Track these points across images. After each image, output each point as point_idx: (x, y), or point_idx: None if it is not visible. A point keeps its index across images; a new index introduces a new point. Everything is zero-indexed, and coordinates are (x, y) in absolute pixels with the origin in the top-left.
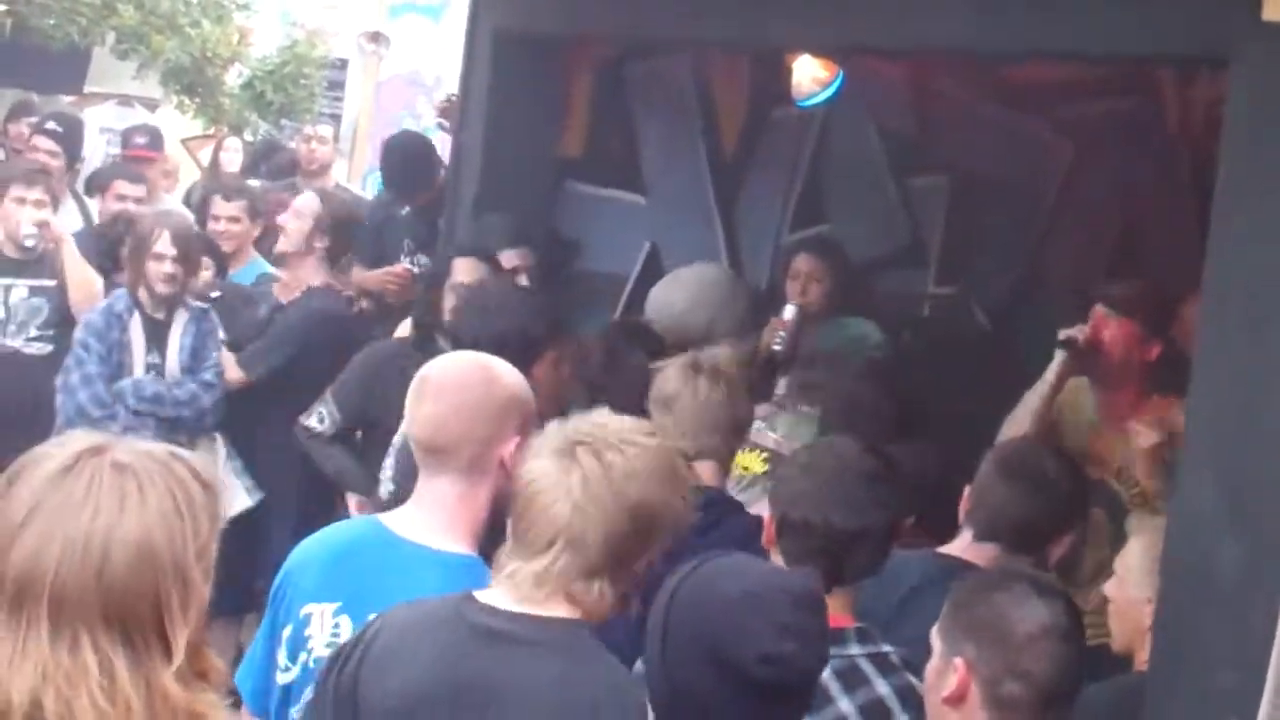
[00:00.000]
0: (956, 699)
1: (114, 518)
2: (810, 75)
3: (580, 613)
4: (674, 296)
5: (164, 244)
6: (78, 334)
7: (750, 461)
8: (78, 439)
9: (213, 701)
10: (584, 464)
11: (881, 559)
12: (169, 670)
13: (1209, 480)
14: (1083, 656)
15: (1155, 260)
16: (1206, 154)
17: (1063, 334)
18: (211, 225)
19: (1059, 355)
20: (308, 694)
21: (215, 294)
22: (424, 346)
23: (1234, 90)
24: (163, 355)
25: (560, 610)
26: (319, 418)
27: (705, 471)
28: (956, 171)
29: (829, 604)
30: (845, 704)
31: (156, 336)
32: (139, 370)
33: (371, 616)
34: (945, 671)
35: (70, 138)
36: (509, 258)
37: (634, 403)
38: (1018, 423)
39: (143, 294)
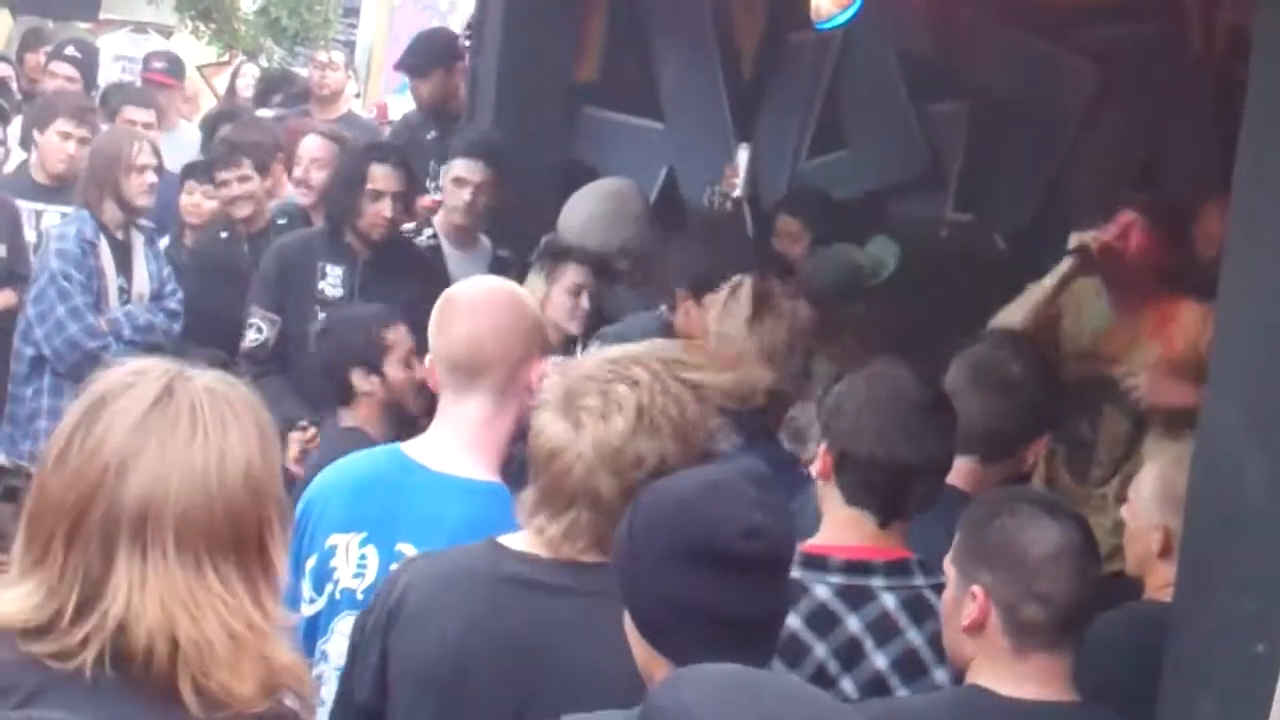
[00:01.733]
0: (976, 626)
1: (222, 443)
2: None
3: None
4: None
5: (146, 155)
6: (53, 264)
7: None
8: (151, 366)
9: (286, 621)
10: (590, 429)
11: (939, 490)
12: (269, 588)
13: (1236, 401)
14: (1098, 575)
15: (1179, 185)
16: (1230, 76)
17: (1075, 238)
18: (224, 191)
19: (1069, 257)
20: (336, 624)
21: None
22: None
23: (1262, 18)
24: (130, 279)
25: (591, 555)
26: (256, 330)
27: None
28: (976, 96)
29: (887, 536)
30: (915, 635)
31: (123, 261)
32: (113, 297)
33: (394, 567)
34: (963, 600)
35: (87, 64)
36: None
37: None
38: (1009, 313)
39: (109, 214)
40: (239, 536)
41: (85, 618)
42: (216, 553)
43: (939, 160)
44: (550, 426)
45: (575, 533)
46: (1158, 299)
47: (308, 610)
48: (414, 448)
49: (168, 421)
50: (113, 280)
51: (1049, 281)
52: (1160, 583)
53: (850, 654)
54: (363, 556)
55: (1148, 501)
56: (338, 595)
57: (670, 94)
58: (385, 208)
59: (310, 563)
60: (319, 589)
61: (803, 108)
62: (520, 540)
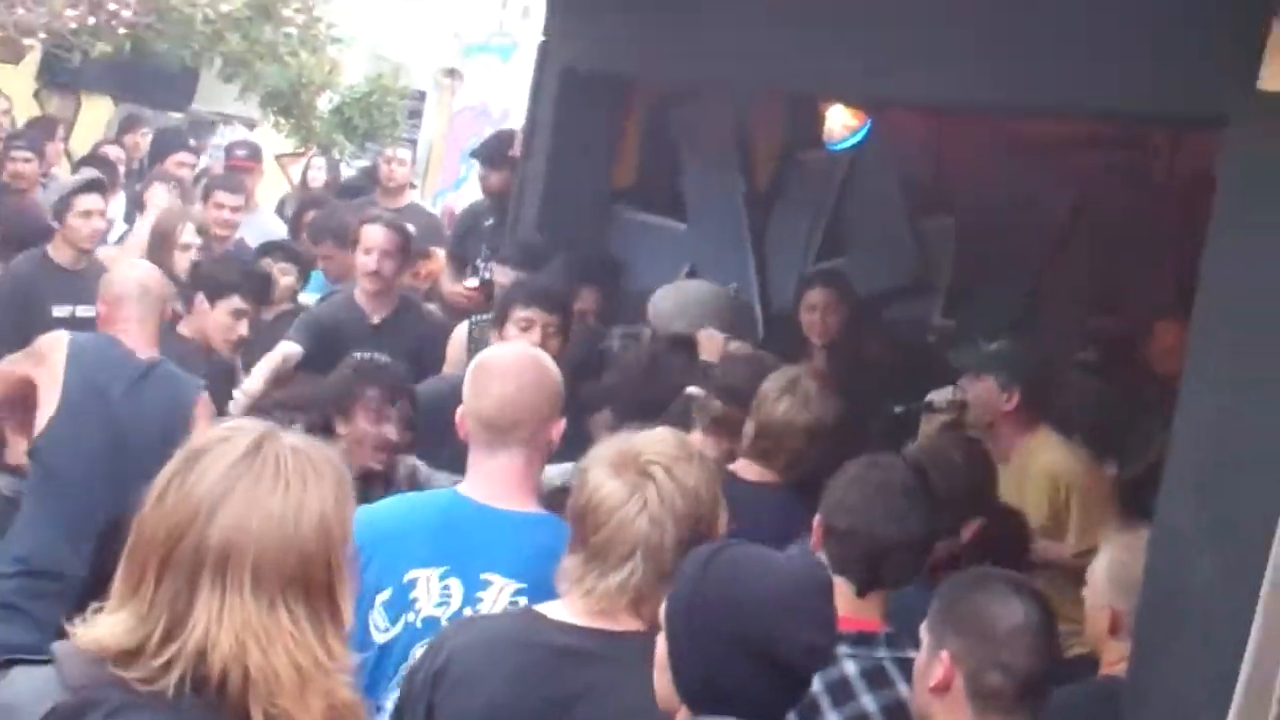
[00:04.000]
0: (942, 688)
1: (300, 494)
2: (842, 122)
3: (644, 624)
4: (680, 307)
5: (189, 235)
6: None
7: None
8: (245, 425)
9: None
10: (657, 480)
11: (919, 568)
12: (335, 629)
13: (1189, 501)
14: (1056, 650)
15: (1141, 299)
16: (1193, 204)
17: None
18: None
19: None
20: (415, 651)
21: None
22: None
23: (1227, 153)
24: None
25: (630, 623)
26: None
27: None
28: (965, 213)
29: (864, 605)
30: (869, 701)
31: None
32: None
33: (438, 633)
34: (932, 663)
35: (199, 153)
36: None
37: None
38: None
39: None
40: (309, 579)
41: (168, 645)
42: (288, 592)
43: (930, 270)
44: (606, 484)
45: (629, 587)
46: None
47: (380, 638)
48: (470, 491)
49: (253, 472)
50: None
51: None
52: (1113, 658)
53: (807, 713)
54: (445, 587)
55: (1100, 584)
56: (419, 624)
57: (694, 199)
58: None
59: (384, 596)
60: (394, 619)
61: (810, 217)
62: (558, 609)
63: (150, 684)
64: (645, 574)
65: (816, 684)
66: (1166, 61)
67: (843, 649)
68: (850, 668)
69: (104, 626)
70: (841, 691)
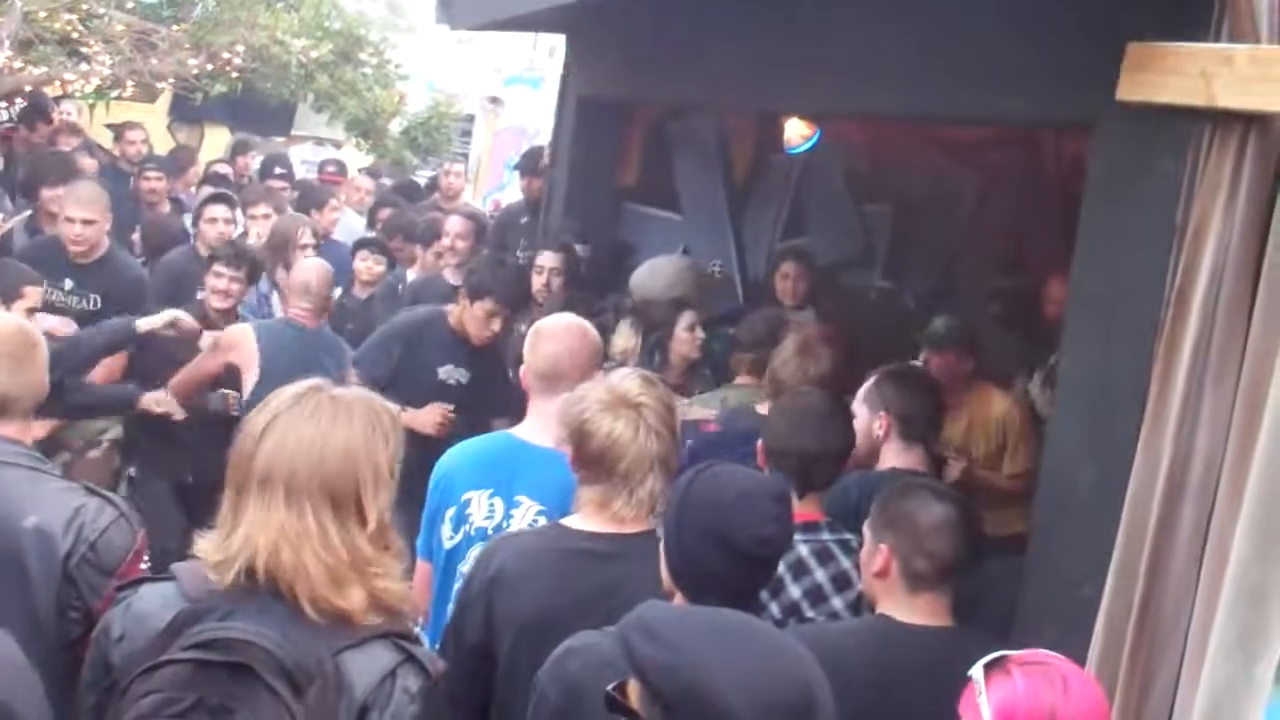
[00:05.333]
0: (882, 573)
1: (329, 429)
2: (798, 132)
3: (649, 525)
4: (655, 278)
5: (307, 237)
6: None
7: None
8: (308, 383)
9: (392, 559)
10: (651, 410)
11: (839, 473)
12: (363, 534)
13: (1074, 420)
14: (969, 541)
15: (1034, 262)
16: (1072, 187)
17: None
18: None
19: None
20: (470, 552)
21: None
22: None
23: (1093, 149)
24: None
25: (637, 526)
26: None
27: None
28: (898, 199)
29: (804, 505)
30: (820, 575)
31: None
32: None
33: (485, 546)
34: (874, 554)
35: (290, 175)
36: (547, 258)
37: None
38: None
39: (280, 276)
40: (336, 495)
41: (227, 547)
42: (317, 505)
43: (871, 244)
44: (613, 426)
45: (656, 493)
46: (969, 395)
47: (448, 544)
48: (519, 431)
49: (292, 412)
50: None
51: None
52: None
53: (775, 587)
54: (491, 505)
55: None
56: (472, 532)
57: (685, 195)
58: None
59: (449, 512)
60: (456, 529)
61: (776, 206)
62: (578, 521)
63: (220, 581)
64: (663, 482)
65: (780, 566)
66: (1045, 77)
67: (795, 536)
68: (803, 550)
69: (202, 540)
70: (798, 568)
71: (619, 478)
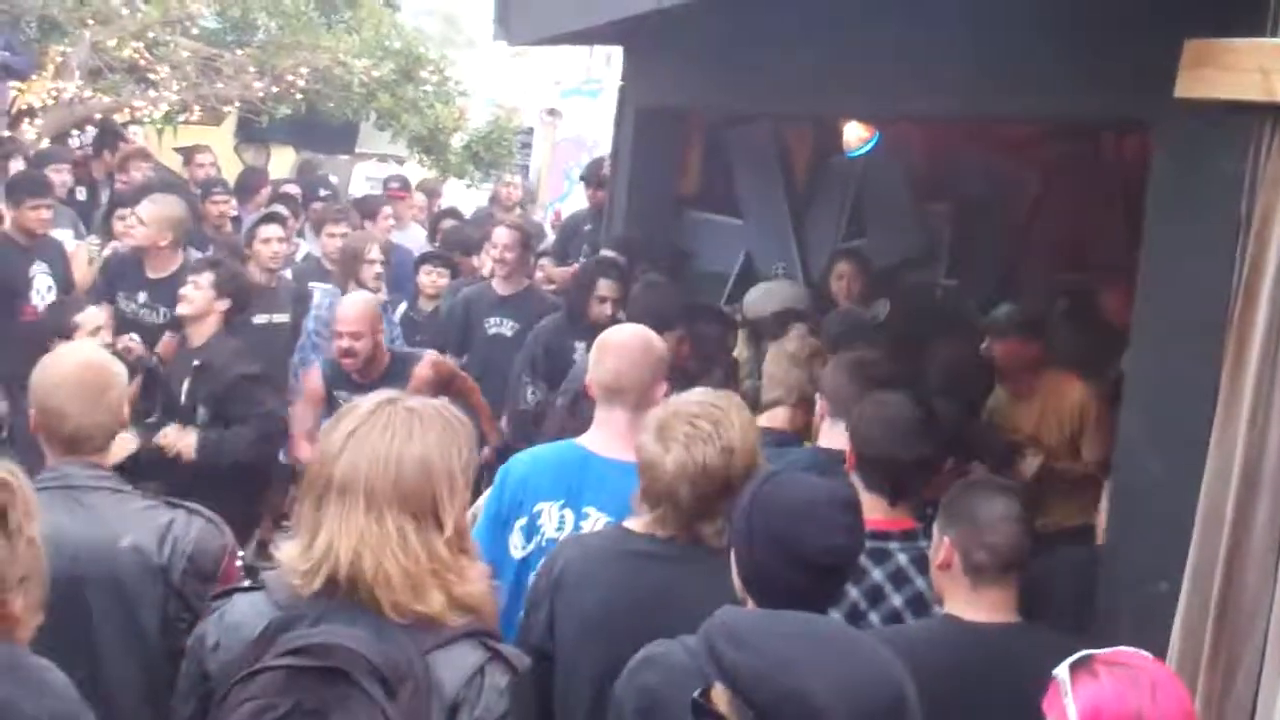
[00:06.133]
0: (945, 565)
1: (404, 440)
2: (857, 135)
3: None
4: (767, 300)
5: (375, 253)
6: (309, 324)
7: None
8: (381, 395)
9: (471, 561)
10: (685, 439)
11: (929, 478)
12: (441, 539)
13: (1141, 417)
14: (1029, 534)
15: (1096, 260)
16: (1135, 183)
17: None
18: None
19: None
20: (540, 564)
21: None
22: (574, 321)
23: (1156, 145)
24: None
25: (681, 538)
26: (530, 392)
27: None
28: (958, 198)
29: (897, 512)
30: (921, 583)
31: None
32: None
33: (551, 550)
34: (939, 548)
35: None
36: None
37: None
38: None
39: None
40: (414, 503)
41: (309, 556)
42: (397, 513)
43: (933, 243)
44: (647, 447)
45: (664, 523)
46: (1041, 383)
47: (519, 554)
48: (586, 440)
49: (370, 425)
50: None
51: None
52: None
53: (874, 595)
54: (562, 516)
55: None
56: (544, 544)
57: (746, 200)
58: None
59: (520, 522)
60: (528, 539)
61: (837, 209)
62: (639, 524)
63: (306, 588)
64: (673, 515)
65: (878, 575)
66: (1103, 76)
67: (893, 545)
68: (902, 558)
69: (284, 550)
70: (898, 577)
71: (641, 490)
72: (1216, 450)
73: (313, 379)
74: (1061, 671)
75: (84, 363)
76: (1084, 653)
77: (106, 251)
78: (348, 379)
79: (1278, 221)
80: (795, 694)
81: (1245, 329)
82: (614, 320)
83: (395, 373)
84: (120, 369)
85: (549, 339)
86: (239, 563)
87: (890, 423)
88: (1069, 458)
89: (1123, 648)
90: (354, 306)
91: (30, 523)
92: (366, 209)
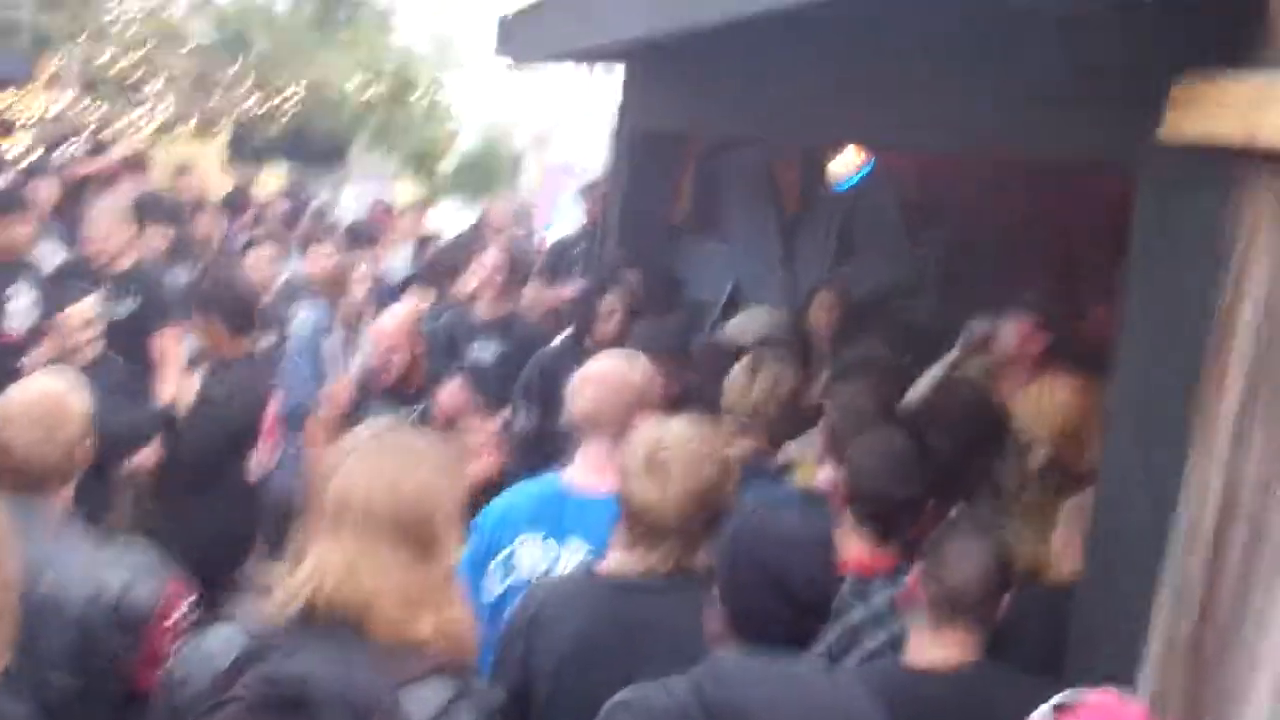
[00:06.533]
0: (909, 599)
1: (398, 469)
2: (846, 165)
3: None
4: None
5: (364, 271)
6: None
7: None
8: (381, 422)
9: (457, 590)
10: (672, 475)
11: (920, 516)
12: (439, 567)
13: (1127, 447)
14: (995, 572)
15: (1083, 291)
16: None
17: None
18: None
19: (961, 337)
20: (516, 603)
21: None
22: (581, 340)
23: (1140, 184)
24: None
25: (669, 567)
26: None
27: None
28: (947, 227)
29: (884, 552)
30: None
31: (350, 339)
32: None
33: (527, 590)
34: (910, 579)
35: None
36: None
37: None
38: (917, 388)
39: (342, 308)
40: (408, 528)
41: (291, 584)
42: (390, 537)
43: (922, 269)
44: (637, 482)
45: (645, 555)
46: (1035, 377)
47: (498, 589)
48: (566, 475)
49: (365, 452)
50: (340, 351)
51: (950, 357)
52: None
53: (853, 637)
54: (546, 549)
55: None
56: (516, 582)
57: (736, 227)
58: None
59: (499, 556)
60: (502, 579)
61: (825, 237)
62: (610, 565)
63: (283, 615)
64: (677, 545)
65: (860, 614)
66: (1087, 116)
67: (876, 584)
68: (883, 599)
69: (266, 576)
70: (879, 618)
71: (636, 534)
72: (1194, 483)
73: (339, 391)
74: (1044, 715)
75: (40, 396)
76: (1067, 695)
77: None
78: (385, 391)
79: (1255, 262)
80: None
81: (1223, 364)
82: (623, 336)
83: (429, 389)
84: (72, 410)
85: (547, 362)
86: (181, 611)
87: (882, 457)
88: (1071, 456)
89: (1106, 690)
90: (393, 319)
91: (6, 563)
92: (368, 236)
